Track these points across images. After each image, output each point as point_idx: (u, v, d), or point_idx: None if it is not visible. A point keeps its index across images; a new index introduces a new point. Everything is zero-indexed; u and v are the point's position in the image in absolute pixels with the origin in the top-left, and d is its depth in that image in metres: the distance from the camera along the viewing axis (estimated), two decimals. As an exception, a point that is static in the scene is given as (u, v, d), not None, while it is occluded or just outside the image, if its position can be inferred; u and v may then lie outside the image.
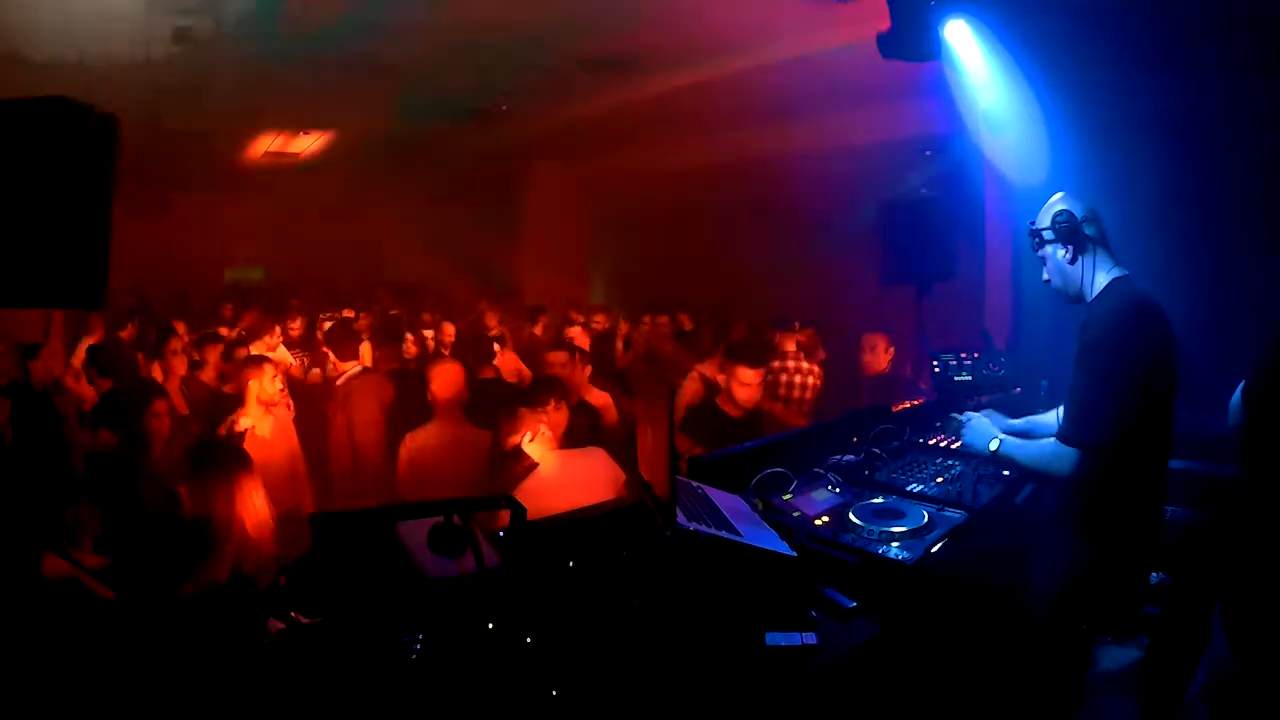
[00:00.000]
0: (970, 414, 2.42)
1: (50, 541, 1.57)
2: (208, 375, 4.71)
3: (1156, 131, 3.26)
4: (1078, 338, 2.13)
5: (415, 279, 9.98)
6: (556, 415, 3.08)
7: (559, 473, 2.90)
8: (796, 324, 5.19)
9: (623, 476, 2.94)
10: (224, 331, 5.73)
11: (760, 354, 3.48)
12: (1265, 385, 1.74)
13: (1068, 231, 2.15)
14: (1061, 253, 2.17)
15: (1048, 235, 2.19)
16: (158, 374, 4.53)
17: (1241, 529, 1.74)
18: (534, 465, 2.92)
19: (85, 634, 1.89)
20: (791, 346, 4.91)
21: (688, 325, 6.23)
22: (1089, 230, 2.15)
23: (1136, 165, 3.16)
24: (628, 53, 5.83)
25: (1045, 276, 2.27)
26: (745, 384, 3.47)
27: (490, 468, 3.22)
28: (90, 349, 4.50)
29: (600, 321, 6.93)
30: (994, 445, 2.22)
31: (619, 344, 6.33)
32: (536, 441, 2.96)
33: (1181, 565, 2.42)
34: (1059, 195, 2.25)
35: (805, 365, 4.82)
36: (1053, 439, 2.08)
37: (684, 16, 5.09)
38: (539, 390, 3.16)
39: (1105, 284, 2.15)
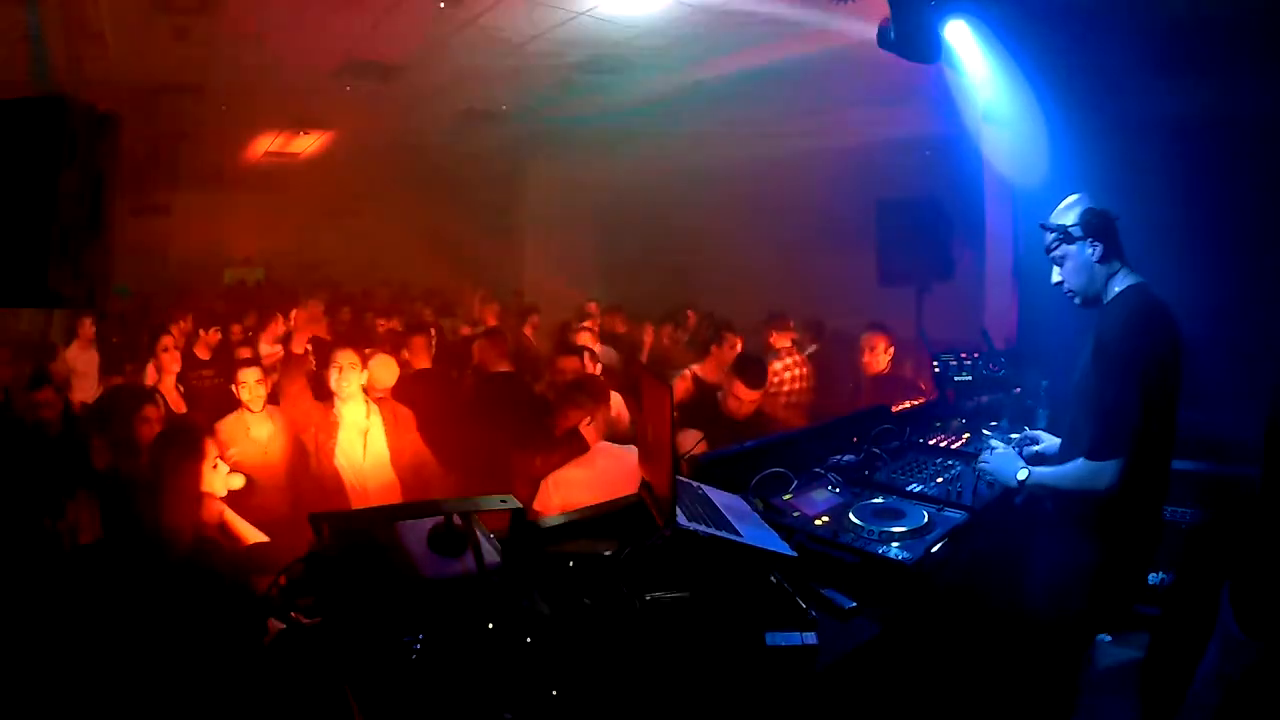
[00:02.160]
0: (994, 444, 2.40)
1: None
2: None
3: (1157, 131, 3.25)
4: (1094, 346, 2.09)
5: (416, 279, 9.98)
6: (598, 415, 3.07)
7: (602, 463, 2.90)
8: (791, 322, 5.19)
9: None
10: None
11: (761, 378, 3.50)
12: None
13: (1100, 229, 2.12)
14: (1089, 251, 2.13)
15: (1076, 232, 2.13)
16: (151, 374, 4.51)
17: (1258, 514, 1.72)
18: (587, 448, 2.92)
19: (84, 634, 1.89)
20: (785, 343, 4.92)
21: (690, 326, 6.23)
22: (1114, 231, 2.13)
23: (1137, 165, 3.14)
24: (626, 54, 5.84)
25: (1058, 278, 2.21)
26: (739, 399, 3.48)
27: (545, 450, 3.17)
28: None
29: (601, 323, 6.90)
30: (1022, 475, 2.20)
31: (621, 345, 6.33)
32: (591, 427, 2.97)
33: (1185, 564, 2.41)
34: (1077, 195, 2.20)
35: (797, 358, 4.84)
36: (1082, 459, 2.04)
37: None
38: (572, 401, 3.09)
39: (1120, 289, 2.13)
